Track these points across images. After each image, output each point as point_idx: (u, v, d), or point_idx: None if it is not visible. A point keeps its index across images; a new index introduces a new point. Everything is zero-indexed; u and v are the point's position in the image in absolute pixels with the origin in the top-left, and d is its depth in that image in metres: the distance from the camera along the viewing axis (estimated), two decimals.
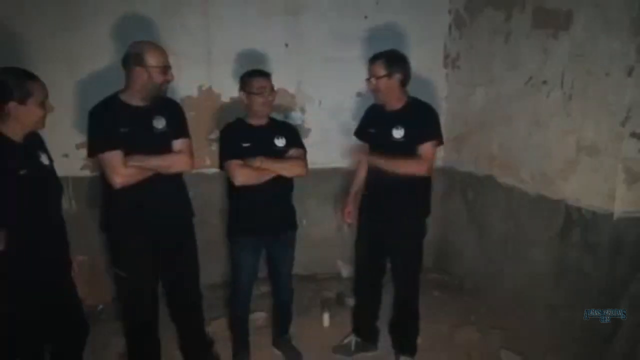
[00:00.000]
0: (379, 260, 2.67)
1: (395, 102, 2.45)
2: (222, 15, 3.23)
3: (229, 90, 3.30)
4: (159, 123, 2.23)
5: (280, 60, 3.31)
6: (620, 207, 2.20)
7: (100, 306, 3.22)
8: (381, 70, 2.37)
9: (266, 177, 2.37)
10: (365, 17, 3.42)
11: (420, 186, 2.47)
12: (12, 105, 1.77)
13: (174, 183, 2.34)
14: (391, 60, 2.39)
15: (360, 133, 2.69)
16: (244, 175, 2.33)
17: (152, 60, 2.12)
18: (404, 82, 2.42)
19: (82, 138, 3.16)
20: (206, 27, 3.22)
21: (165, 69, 2.17)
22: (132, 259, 2.28)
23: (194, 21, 3.19)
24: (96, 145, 2.14)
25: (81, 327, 2.17)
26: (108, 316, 3.12)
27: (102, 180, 2.19)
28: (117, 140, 2.11)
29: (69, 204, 3.18)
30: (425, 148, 2.39)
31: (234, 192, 2.46)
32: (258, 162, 2.34)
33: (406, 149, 2.41)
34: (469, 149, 3.43)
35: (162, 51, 2.18)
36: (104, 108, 2.19)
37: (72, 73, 3.08)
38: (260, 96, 2.37)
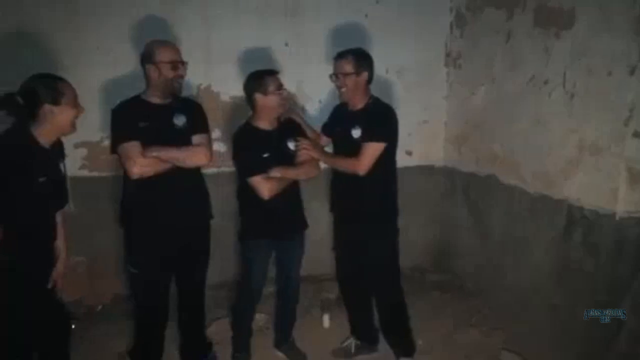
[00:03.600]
0: (356, 263, 2.62)
1: (358, 102, 2.45)
2: (222, 15, 3.21)
3: (228, 89, 3.28)
4: (179, 120, 2.27)
5: (280, 60, 3.29)
6: (622, 207, 2.19)
7: (100, 306, 3.21)
8: (349, 68, 2.37)
9: (287, 183, 2.40)
10: (366, 15, 3.41)
11: (377, 187, 2.43)
12: (47, 107, 1.81)
13: (193, 182, 2.37)
14: (359, 58, 2.40)
15: (326, 129, 2.68)
16: (271, 190, 2.34)
17: (160, 56, 2.18)
18: (369, 81, 2.43)
19: (79, 138, 3.16)
20: (206, 27, 3.21)
21: (175, 64, 2.20)
22: (145, 256, 2.29)
23: (193, 21, 3.17)
24: (116, 139, 2.20)
25: (62, 325, 2.15)
26: (108, 316, 3.11)
27: (124, 176, 2.24)
28: (136, 133, 2.16)
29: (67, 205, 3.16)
30: (366, 147, 2.35)
31: (247, 196, 2.44)
32: (278, 173, 2.36)
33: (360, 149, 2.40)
34: (470, 148, 3.42)
35: (171, 47, 2.24)
36: (125, 106, 2.27)
37: (70, 73, 3.04)
38: (278, 95, 2.38)
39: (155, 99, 2.24)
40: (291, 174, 2.41)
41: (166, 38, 2.90)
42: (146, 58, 2.20)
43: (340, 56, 2.42)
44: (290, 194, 2.50)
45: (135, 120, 2.18)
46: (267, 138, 2.43)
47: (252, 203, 2.45)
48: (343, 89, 2.41)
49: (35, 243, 1.92)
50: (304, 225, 2.64)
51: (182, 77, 2.24)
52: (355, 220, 2.49)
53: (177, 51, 2.24)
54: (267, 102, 2.37)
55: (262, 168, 2.35)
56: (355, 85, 2.39)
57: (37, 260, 1.92)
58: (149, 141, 2.16)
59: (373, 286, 2.62)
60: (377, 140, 2.36)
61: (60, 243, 2.13)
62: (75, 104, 1.91)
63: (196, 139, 2.29)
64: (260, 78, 2.38)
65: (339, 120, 2.57)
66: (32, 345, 2.02)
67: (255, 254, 2.51)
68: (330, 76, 2.44)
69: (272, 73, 2.42)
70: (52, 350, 2.14)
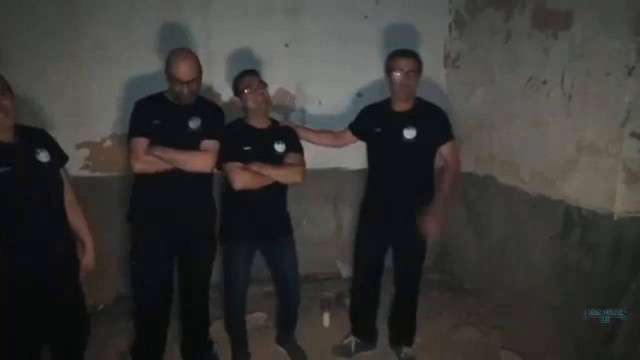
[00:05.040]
0: (381, 260, 2.68)
1: (407, 102, 2.48)
2: (222, 15, 3.22)
3: (229, 90, 3.28)
4: (194, 123, 2.30)
5: (280, 60, 3.31)
6: (620, 207, 2.20)
7: (101, 306, 3.22)
8: (417, 65, 2.42)
9: (265, 182, 2.35)
10: (365, 17, 3.42)
11: (430, 183, 2.55)
12: None
13: (199, 184, 2.36)
14: (420, 58, 2.48)
15: (357, 129, 2.68)
16: (243, 179, 2.31)
17: (171, 71, 2.20)
18: None
19: (81, 138, 3.18)
20: (206, 27, 3.22)
21: (179, 81, 2.19)
22: (147, 251, 2.33)
23: (194, 21, 3.18)
24: (130, 131, 2.26)
25: (82, 327, 2.17)
26: (108, 316, 3.12)
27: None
28: (148, 129, 2.21)
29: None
30: (452, 146, 2.51)
31: (227, 195, 2.45)
32: (256, 167, 2.33)
33: (417, 149, 2.45)
34: (469, 149, 3.43)
35: (180, 64, 2.19)
36: (146, 100, 2.32)
37: (72, 74, 3.07)
38: (250, 92, 2.36)
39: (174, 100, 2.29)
40: (270, 171, 2.35)
41: (166, 38, 2.94)
42: (165, 65, 2.23)
43: (406, 54, 2.44)
44: (274, 197, 2.48)
45: (151, 116, 2.23)
46: (253, 134, 2.43)
47: (233, 203, 2.46)
48: (406, 84, 2.40)
49: (26, 235, 1.89)
50: (286, 229, 2.59)
51: (182, 93, 2.22)
52: (409, 218, 2.49)
53: (187, 69, 2.19)
54: (242, 101, 2.41)
55: (240, 159, 2.34)
56: (416, 84, 2.44)
57: (29, 255, 1.89)
58: (161, 139, 2.20)
59: (412, 279, 2.66)
60: (453, 138, 2.52)
61: (83, 234, 2.16)
62: None
63: (204, 144, 2.30)
64: (234, 80, 2.45)
65: (382, 121, 2.53)
66: (41, 344, 2.02)
67: (235, 255, 2.49)
68: (396, 71, 2.40)
69: (245, 73, 2.44)
70: (67, 350, 2.15)
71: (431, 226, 2.42)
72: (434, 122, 2.49)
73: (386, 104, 2.57)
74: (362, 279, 2.78)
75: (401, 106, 2.49)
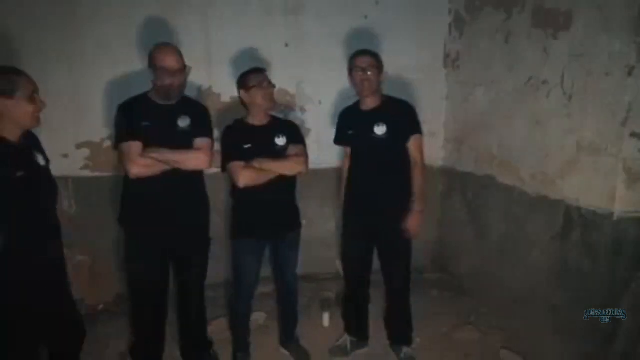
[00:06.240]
0: (368, 259, 2.68)
1: (373, 100, 2.50)
2: (222, 15, 3.23)
3: (229, 90, 3.29)
4: (183, 122, 2.29)
5: (280, 60, 3.31)
6: (620, 207, 2.20)
7: (101, 306, 3.23)
8: (375, 63, 2.45)
9: (268, 177, 2.37)
10: (365, 17, 3.43)
11: (408, 178, 2.52)
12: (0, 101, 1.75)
13: (192, 185, 2.37)
14: (380, 58, 2.50)
15: (339, 138, 2.70)
16: (246, 177, 2.34)
17: (156, 62, 2.19)
18: None
19: (81, 138, 3.18)
20: (206, 27, 3.22)
21: (168, 71, 2.18)
22: (140, 252, 2.33)
23: (194, 21, 3.19)
24: (118, 136, 2.24)
25: (77, 329, 2.16)
26: (109, 316, 3.12)
27: (125, 175, 2.26)
28: (138, 132, 2.19)
29: (68, 204, 3.18)
30: (416, 141, 2.50)
31: (236, 193, 2.46)
32: (257, 163, 2.35)
33: (389, 145, 2.46)
34: (469, 149, 3.43)
35: (167, 54, 2.20)
36: (130, 103, 2.30)
37: (72, 74, 3.08)
38: (260, 89, 2.39)
39: (161, 100, 2.27)
40: (271, 166, 2.37)
41: (166, 38, 2.94)
42: (149, 61, 2.22)
43: (364, 53, 2.48)
44: (283, 192, 2.50)
45: (139, 119, 2.21)
46: (252, 132, 2.45)
47: (242, 201, 2.47)
48: (366, 80, 2.43)
49: (33, 241, 1.88)
50: (296, 225, 2.63)
51: (172, 86, 2.21)
52: (390, 214, 2.52)
53: (173, 58, 2.19)
54: (250, 97, 2.41)
55: (242, 158, 2.36)
56: (378, 80, 2.46)
57: (31, 256, 1.88)
58: (151, 141, 2.18)
59: (399, 277, 2.64)
60: (420, 132, 2.52)
61: None
62: (32, 99, 1.81)
63: (197, 142, 2.30)
64: (243, 75, 2.45)
65: (353, 122, 2.59)
66: (37, 346, 2.02)
67: (246, 253, 2.51)
68: (356, 69, 2.44)
69: (256, 70, 2.46)
70: (63, 352, 2.15)
71: (411, 226, 2.47)
72: (402, 117, 2.51)
73: (356, 105, 2.61)
74: (350, 279, 2.79)
75: (369, 104, 2.51)
